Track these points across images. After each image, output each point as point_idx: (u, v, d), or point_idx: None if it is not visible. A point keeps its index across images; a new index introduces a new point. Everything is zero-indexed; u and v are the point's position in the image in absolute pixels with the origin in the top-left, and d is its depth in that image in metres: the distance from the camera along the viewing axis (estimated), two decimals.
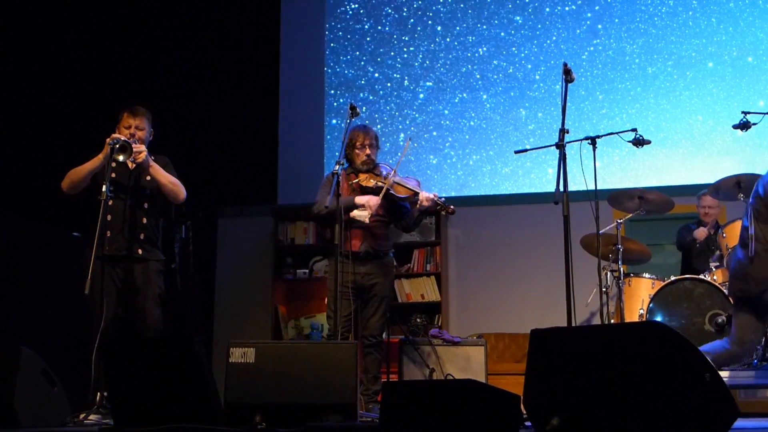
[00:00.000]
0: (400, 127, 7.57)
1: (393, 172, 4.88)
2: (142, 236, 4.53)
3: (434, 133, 7.48)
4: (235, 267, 7.66)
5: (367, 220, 4.74)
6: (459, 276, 7.16)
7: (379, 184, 4.84)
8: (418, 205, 4.85)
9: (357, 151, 4.92)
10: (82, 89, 7.37)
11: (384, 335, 4.97)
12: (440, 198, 4.85)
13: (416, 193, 4.85)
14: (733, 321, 4.39)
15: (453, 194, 7.22)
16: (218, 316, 7.58)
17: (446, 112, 7.50)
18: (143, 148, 4.48)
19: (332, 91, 7.78)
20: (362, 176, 4.90)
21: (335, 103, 7.77)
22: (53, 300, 5.74)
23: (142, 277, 4.50)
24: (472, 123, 7.43)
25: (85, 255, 4.37)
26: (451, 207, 4.83)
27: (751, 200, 4.24)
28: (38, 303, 5.65)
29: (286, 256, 7.33)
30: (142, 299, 4.48)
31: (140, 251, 4.52)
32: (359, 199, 4.76)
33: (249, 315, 7.47)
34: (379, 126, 7.57)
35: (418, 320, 6.73)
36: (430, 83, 7.56)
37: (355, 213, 4.77)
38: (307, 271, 7.22)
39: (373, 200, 4.74)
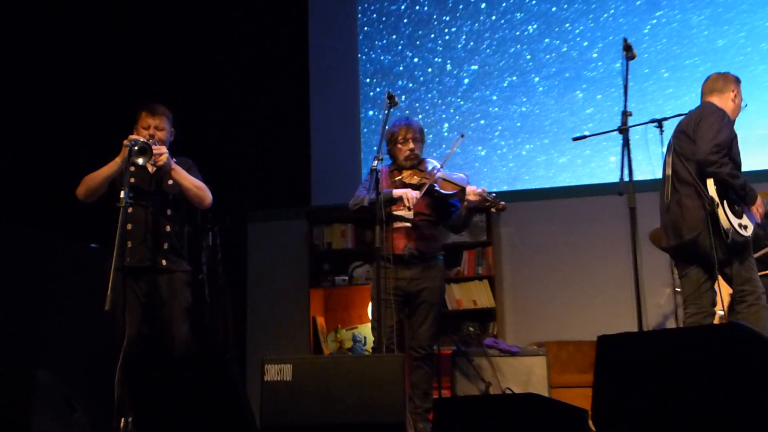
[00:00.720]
0: (444, 116, 7.56)
1: (439, 168, 4.88)
2: (165, 245, 4.57)
3: (482, 122, 7.45)
4: (267, 276, 7.70)
5: (411, 213, 4.75)
6: (514, 279, 7.14)
7: (423, 180, 4.85)
8: (465, 202, 4.85)
9: (399, 146, 4.94)
10: (101, 90, 7.46)
11: (434, 347, 4.95)
12: (489, 193, 4.83)
13: (462, 188, 4.85)
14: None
15: (505, 188, 7.21)
16: (251, 329, 7.62)
17: (494, 98, 7.47)
18: (164, 149, 4.51)
19: (367, 80, 7.78)
20: (405, 173, 4.92)
21: (371, 93, 7.77)
22: (71, 318, 5.78)
23: (167, 290, 4.53)
24: (523, 109, 7.40)
25: (104, 268, 4.36)
26: (502, 203, 4.81)
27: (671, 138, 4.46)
28: (55, 321, 5.69)
29: (323, 262, 7.36)
30: (168, 314, 4.51)
31: (164, 262, 4.55)
32: (397, 192, 4.77)
33: (284, 328, 7.51)
34: (420, 116, 7.57)
35: (471, 329, 6.73)
36: (476, 67, 7.53)
37: (400, 212, 4.79)
38: (346, 277, 7.23)
39: (411, 192, 4.75)
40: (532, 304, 7.07)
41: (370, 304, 4.93)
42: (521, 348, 5.87)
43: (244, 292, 7.71)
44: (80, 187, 4.53)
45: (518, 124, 7.39)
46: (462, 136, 4.96)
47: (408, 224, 4.85)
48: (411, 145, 4.93)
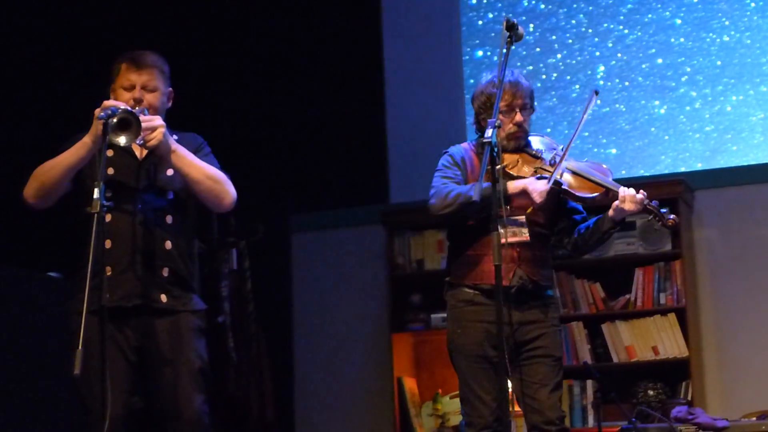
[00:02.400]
0: (597, 53, 7.57)
1: (563, 153, 4.88)
2: (165, 272, 4.57)
3: (658, 61, 7.47)
4: (324, 315, 7.75)
5: (523, 220, 4.80)
6: (720, 311, 7.10)
7: (542, 172, 4.84)
8: (611, 212, 4.83)
9: (500, 116, 4.88)
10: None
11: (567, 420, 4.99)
12: (652, 202, 4.83)
13: (607, 190, 4.83)
14: None
15: (699, 166, 7.25)
16: (301, 401, 7.68)
17: (677, 21, 7.47)
18: (158, 121, 4.52)
19: (472, 1, 7.85)
20: (508, 159, 4.89)
21: (480, 22, 7.81)
22: (19, 388, 5.81)
23: (169, 342, 4.54)
24: (725, 38, 7.39)
25: (68, 309, 4.42)
26: (672, 217, 4.83)
27: None
28: (1, 393, 5.74)
29: (411, 292, 7.38)
30: (171, 379, 4.51)
31: (164, 298, 4.54)
32: (515, 185, 4.76)
33: (353, 397, 7.55)
34: (558, 55, 7.57)
35: (651, 392, 6.73)
36: None
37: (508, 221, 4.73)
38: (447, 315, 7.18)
39: (540, 185, 4.73)
40: (749, 352, 6.99)
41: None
42: (733, 422, 5.88)
43: (290, 342, 7.76)
44: (29, 185, 4.56)
45: (718, 63, 7.37)
46: (597, 92, 4.93)
47: (521, 236, 4.85)
48: (519, 117, 4.91)
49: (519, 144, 4.92)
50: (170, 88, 4.74)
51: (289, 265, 7.87)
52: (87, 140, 4.43)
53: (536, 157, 4.91)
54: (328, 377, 7.64)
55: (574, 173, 4.86)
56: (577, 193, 4.83)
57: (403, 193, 7.69)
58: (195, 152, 4.65)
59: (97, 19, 7.71)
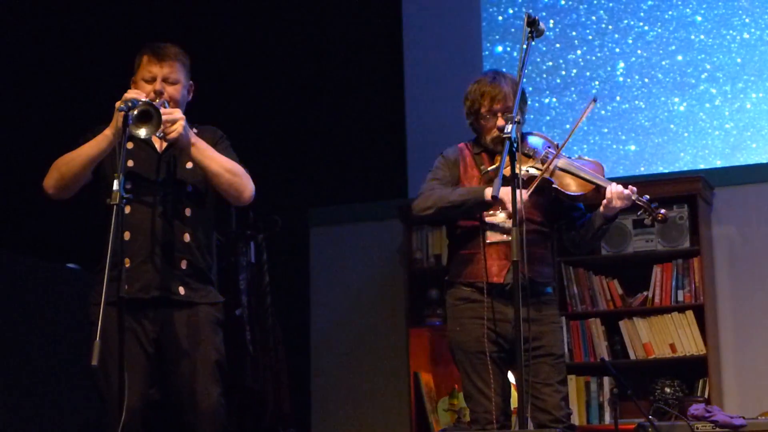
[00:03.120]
0: (617, 50, 7.57)
1: (556, 151, 4.92)
2: (183, 264, 4.57)
3: (678, 58, 7.47)
4: (341, 310, 7.77)
5: (506, 223, 4.80)
6: (738, 309, 7.10)
7: (532, 170, 4.87)
8: (602, 208, 4.87)
9: (483, 122, 5.00)
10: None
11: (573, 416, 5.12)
12: (643, 198, 4.85)
13: (596, 187, 4.86)
14: None
15: (719, 163, 7.26)
16: (318, 394, 7.70)
17: (698, 18, 7.48)
18: (178, 114, 4.52)
19: None
20: (499, 160, 4.85)
21: (500, 17, 7.81)
22: (36, 379, 5.83)
23: (187, 334, 4.54)
24: (746, 35, 7.38)
25: (87, 301, 4.43)
26: (663, 212, 4.85)
27: None
28: (20, 385, 5.74)
29: (429, 287, 7.38)
30: (189, 371, 4.52)
31: (182, 290, 4.55)
32: (491, 191, 4.74)
33: (370, 391, 7.56)
34: (578, 51, 7.56)
35: (668, 390, 6.75)
36: None
37: (496, 220, 4.85)
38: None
39: (509, 193, 4.69)
40: (766, 351, 7.00)
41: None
42: (749, 420, 5.80)
43: (307, 336, 7.78)
44: (50, 176, 4.57)
45: (738, 61, 7.36)
46: (594, 100, 4.97)
47: (508, 237, 4.80)
48: (501, 121, 4.91)
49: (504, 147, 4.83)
50: (191, 81, 4.74)
51: (307, 259, 7.88)
52: (108, 132, 4.44)
53: (529, 156, 4.94)
54: (345, 371, 7.66)
55: (564, 171, 4.90)
56: (567, 192, 4.88)
57: (419, 188, 7.67)
58: (214, 145, 4.66)
59: (120, 11, 7.75)
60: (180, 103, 4.64)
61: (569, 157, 4.98)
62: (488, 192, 4.74)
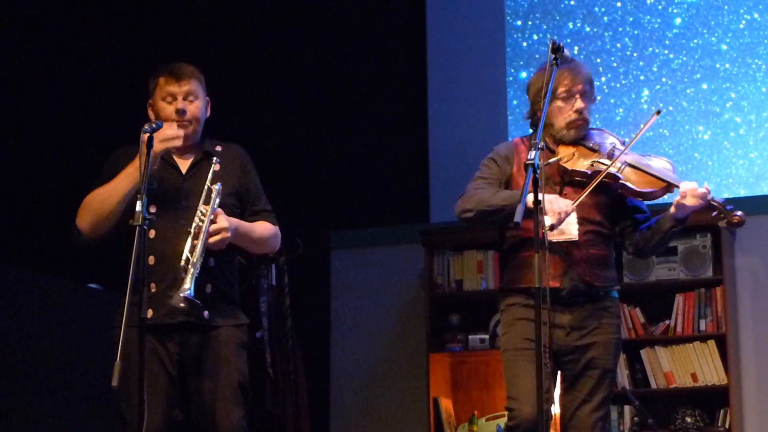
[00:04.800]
0: (642, 77, 7.54)
1: (624, 148, 4.74)
2: (208, 288, 4.55)
3: (703, 86, 7.43)
4: (361, 333, 7.75)
5: (552, 233, 4.55)
6: (760, 339, 7.07)
7: (599, 164, 4.69)
8: (673, 208, 4.68)
9: (559, 103, 4.77)
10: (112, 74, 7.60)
11: None
12: (718, 199, 4.68)
13: (667, 185, 4.68)
14: None
15: (743, 193, 7.21)
16: (338, 418, 7.67)
17: (723, 47, 7.44)
18: (223, 223, 4.49)
19: (517, 23, 7.83)
20: (564, 150, 4.75)
21: (524, 43, 7.81)
22: (56, 399, 5.82)
23: (211, 356, 4.53)
24: None
25: (114, 322, 4.42)
26: (738, 213, 4.65)
27: None
28: (41, 406, 5.74)
29: (450, 312, 7.37)
30: (211, 393, 4.51)
31: (207, 313, 4.52)
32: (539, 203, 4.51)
33: (389, 416, 7.53)
34: (603, 78, 7.53)
35: (689, 419, 6.75)
36: None
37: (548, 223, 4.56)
38: (486, 337, 7.21)
39: (562, 204, 4.57)
40: None
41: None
42: None
43: (327, 360, 7.76)
44: (84, 217, 4.54)
45: (764, 90, 7.35)
46: (658, 112, 4.80)
47: (569, 235, 4.69)
48: (580, 103, 4.75)
49: (579, 134, 4.76)
50: (207, 98, 4.74)
51: (328, 282, 7.86)
52: (137, 161, 4.40)
53: (594, 150, 4.75)
54: (365, 395, 7.63)
55: (632, 167, 4.72)
56: (635, 188, 4.68)
57: (443, 213, 7.57)
58: (242, 173, 4.69)
59: (124, 32, 7.76)
60: (200, 120, 4.65)
61: (636, 154, 4.79)
62: (531, 199, 4.45)
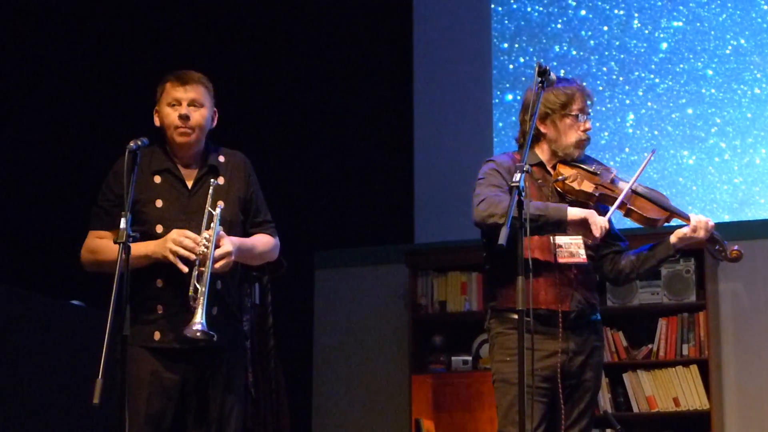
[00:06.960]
0: (627, 101, 7.57)
1: (633, 178, 4.72)
2: (214, 311, 4.49)
3: (689, 111, 7.46)
4: (344, 353, 7.74)
5: (562, 256, 4.57)
6: (743, 364, 7.07)
7: (602, 189, 4.65)
8: (675, 239, 4.67)
9: (570, 121, 4.71)
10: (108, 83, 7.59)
11: None
12: (716, 233, 4.65)
13: (670, 215, 4.66)
14: None
15: (726, 218, 7.21)
16: None
17: (709, 72, 7.47)
18: (228, 246, 4.45)
19: (504, 45, 7.85)
20: (567, 171, 4.70)
21: (511, 66, 7.82)
22: (45, 420, 5.79)
23: (221, 382, 4.51)
24: (757, 91, 7.38)
25: (115, 340, 4.28)
26: (736, 249, 4.63)
27: None
28: (23, 425, 5.71)
29: (433, 333, 7.36)
30: (216, 416, 4.49)
31: (215, 337, 4.40)
32: (575, 213, 4.49)
33: None
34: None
35: None
36: (680, 23, 7.55)
37: (564, 240, 4.57)
38: (469, 358, 7.23)
39: (601, 220, 4.51)
40: None
41: (497, 394, 4.70)
42: None
43: (309, 379, 7.75)
44: (89, 260, 4.53)
45: (749, 116, 7.36)
46: (654, 151, 4.86)
47: (579, 258, 4.66)
48: (588, 124, 4.71)
49: (581, 154, 4.74)
50: (215, 108, 4.69)
51: (312, 302, 7.86)
52: (154, 249, 4.38)
53: (595, 174, 4.71)
54: (347, 415, 7.62)
55: (639, 195, 4.70)
56: (645, 215, 4.63)
57: (427, 234, 7.68)
58: (245, 184, 4.70)
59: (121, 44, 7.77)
60: (204, 129, 4.60)
61: (642, 184, 4.78)
62: (572, 212, 4.49)
